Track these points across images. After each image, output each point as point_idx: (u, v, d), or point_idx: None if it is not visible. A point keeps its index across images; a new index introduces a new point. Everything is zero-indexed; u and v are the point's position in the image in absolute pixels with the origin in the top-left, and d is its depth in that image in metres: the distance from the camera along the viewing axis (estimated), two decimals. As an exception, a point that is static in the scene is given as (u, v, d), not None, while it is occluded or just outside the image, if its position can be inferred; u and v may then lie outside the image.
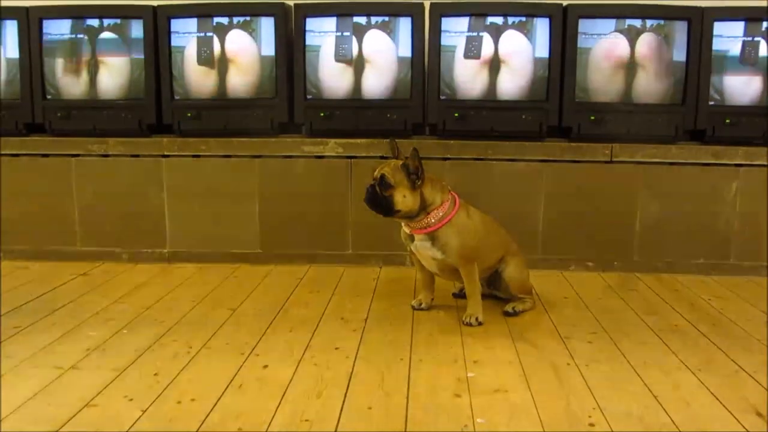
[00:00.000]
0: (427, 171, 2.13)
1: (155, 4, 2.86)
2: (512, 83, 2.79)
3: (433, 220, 2.13)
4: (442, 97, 2.80)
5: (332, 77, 2.84)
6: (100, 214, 2.93)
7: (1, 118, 2.90)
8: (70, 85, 2.92)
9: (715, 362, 1.93)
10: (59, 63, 2.91)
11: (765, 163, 2.74)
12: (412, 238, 2.20)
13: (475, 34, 2.76)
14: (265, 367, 1.85)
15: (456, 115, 2.80)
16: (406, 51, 2.79)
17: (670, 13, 2.75)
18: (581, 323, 2.23)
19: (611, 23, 2.75)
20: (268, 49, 2.83)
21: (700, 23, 2.72)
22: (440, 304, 2.38)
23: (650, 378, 1.81)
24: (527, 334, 2.13)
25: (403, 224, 2.21)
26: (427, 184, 2.12)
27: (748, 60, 2.75)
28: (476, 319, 2.18)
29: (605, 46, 2.77)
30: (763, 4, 2.74)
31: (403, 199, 2.09)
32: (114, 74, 2.90)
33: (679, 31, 2.74)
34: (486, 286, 2.36)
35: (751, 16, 2.74)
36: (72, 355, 1.92)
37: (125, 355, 1.93)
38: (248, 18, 2.83)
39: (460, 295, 2.38)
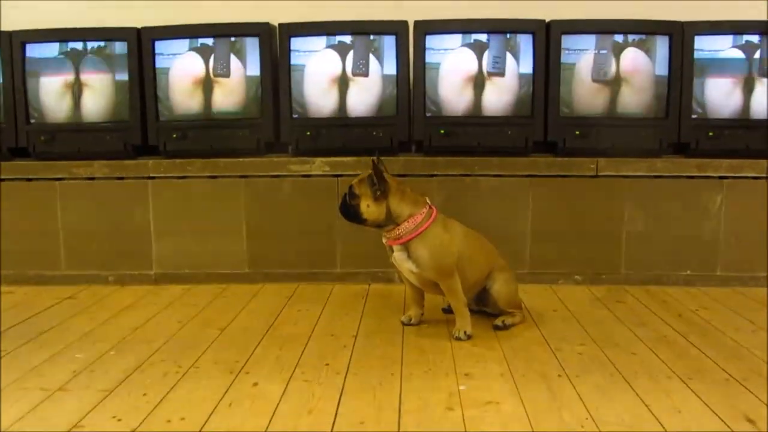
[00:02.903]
0: (402, 183, 2.21)
1: (139, 26, 2.86)
2: (497, 99, 2.81)
3: (402, 232, 2.16)
4: (428, 114, 2.82)
5: (318, 96, 2.85)
6: (86, 237, 2.91)
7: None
8: (55, 108, 2.91)
9: (705, 371, 1.93)
10: (43, 87, 2.90)
11: (749, 175, 2.77)
12: (392, 249, 2.23)
13: (461, 50, 2.79)
14: (255, 384, 1.84)
15: (442, 131, 2.81)
16: (390, 69, 2.81)
17: (651, 29, 2.79)
18: (571, 335, 2.23)
19: (594, 39, 2.79)
20: (254, 68, 2.84)
21: (681, 38, 2.77)
22: (430, 319, 2.38)
23: (641, 387, 1.81)
24: (517, 346, 2.13)
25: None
26: (395, 195, 2.16)
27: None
28: (465, 333, 2.18)
29: (588, 61, 2.80)
30: (742, 17, 2.79)
31: (367, 208, 2.16)
32: (98, 96, 2.90)
33: (661, 45, 2.78)
34: (475, 303, 2.36)
35: (730, 31, 2.78)
36: (59, 377, 1.90)
37: (113, 375, 1.90)
38: (233, 38, 2.85)
39: (449, 310, 2.38)
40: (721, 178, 2.79)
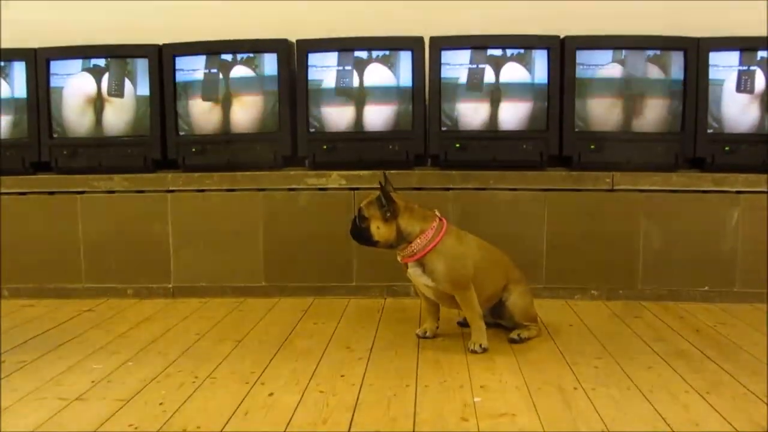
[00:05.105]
0: (409, 201, 2.21)
1: (161, 43, 2.92)
2: (512, 114, 2.83)
3: (416, 249, 2.17)
4: (443, 128, 2.84)
5: (334, 110, 2.88)
6: (106, 251, 2.94)
7: (9, 157, 2.94)
8: (77, 123, 2.96)
9: (723, 385, 1.91)
10: (66, 102, 2.95)
11: (766, 189, 2.75)
12: (406, 265, 2.23)
13: (475, 66, 2.81)
14: (271, 395, 1.85)
15: (457, 145, 2.83)
16: (406, 84, 2.84)
17: (666, 44, 2.79)
18: (587, 349, 2.22)
19: (608, 54, 2.80)
20: (271, 84, 2.88)
21: (695, 53, 2.77)
22: (445, 333, 2.38)
23: (658, 401, 1.79)
24: (533, 359, 2.12)
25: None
26: (404, 214, 2.17)
27: (744, 89, 2.79)
28: (480, 346, 2.18)
29: (602, 75, 2.81)
30: (756, 33, 2.79)
31: (378, 230, 2.18)
32: (119, 112, 2.95)
33: (676, 60, 2.79)
34: (490, 315, 2.36)
35: (745, 46, 2.78)
36: (77, 386, 1.92)
37: (130, 385, 1.92)
38: (252, 54, 2.89)
39: (465, 323, 2.38)
40: (737, 192, 2.77)
